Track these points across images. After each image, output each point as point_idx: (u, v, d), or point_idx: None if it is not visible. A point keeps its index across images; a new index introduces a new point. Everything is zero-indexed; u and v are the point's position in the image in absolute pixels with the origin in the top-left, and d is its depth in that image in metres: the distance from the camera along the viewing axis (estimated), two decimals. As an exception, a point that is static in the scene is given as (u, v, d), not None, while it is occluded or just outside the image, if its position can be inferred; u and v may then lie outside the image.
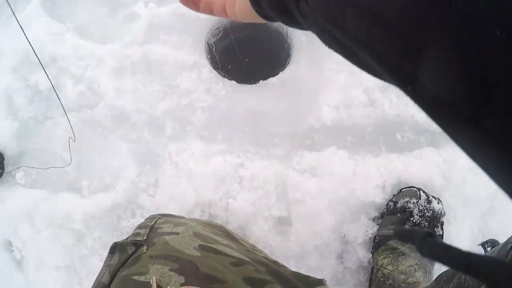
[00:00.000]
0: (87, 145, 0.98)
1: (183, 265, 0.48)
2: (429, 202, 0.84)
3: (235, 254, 0.53)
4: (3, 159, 1.04)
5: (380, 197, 0.84)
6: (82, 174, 0.98)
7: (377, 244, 0.84)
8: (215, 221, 0.84)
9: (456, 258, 0.25)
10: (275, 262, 0.61)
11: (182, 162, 0.87)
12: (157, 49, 0.98)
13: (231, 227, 0.82)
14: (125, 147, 0.93)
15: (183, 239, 0.53)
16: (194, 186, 0.85)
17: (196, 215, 0.83)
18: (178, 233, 0.54)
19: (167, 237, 0.53)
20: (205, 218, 0.84)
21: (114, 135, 0.95)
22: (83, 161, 0.98)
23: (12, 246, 1.05)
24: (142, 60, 0.98)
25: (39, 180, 1.03)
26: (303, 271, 0.83)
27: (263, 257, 0.63)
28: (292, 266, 0.82)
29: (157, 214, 0.64)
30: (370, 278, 0.84)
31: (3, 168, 1.04)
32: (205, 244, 0.53)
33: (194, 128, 0.90)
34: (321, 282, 0.59)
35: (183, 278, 0.47)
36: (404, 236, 0.32)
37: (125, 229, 0.93)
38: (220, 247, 0.54)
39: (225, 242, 0.57)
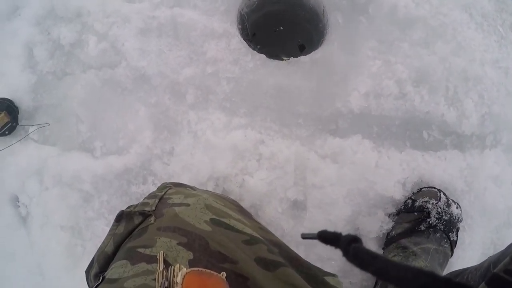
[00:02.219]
0: (104, 105, 0.98)
1: (193, 240, 0.47)
2: (449, 205, 0.82)
3: (247, 230, 0.52)
4: (18, 112, 1.05)
5: (399, 194, 0.83)
6: (96, 134, 0.99)
7: (389, 240, 0.83)
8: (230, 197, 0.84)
9: (385, 268, 0.24)
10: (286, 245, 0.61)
11: (200, 132, 0.87)
12: (187, 13, 0.97)
13: (244, 205, 0.81)
14: (143, 111, 0.93)
15: (194, 212, 0.51)
16: (211, 158, 0.84)
17: (210, 188, 0.83)
18: (188, 205, 0.53)
19: (176, 209, 0.52)
20: (218, 192, 0.84)
21: (133, 97, 0.95)
22: (99, 121, 0.99)
23: (18, 201, 1.06)
24: (170, 23, 0.97)
25: (51, 136, 1.04)
26: (312, 258, 0.83)
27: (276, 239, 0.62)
28: (302, 252, 0.81)
29: (169, 183, 0.63)
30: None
31: (17, 121, 1.05)
32: (217, 218, 0.52)
33: (217, 98, 0.89)
34: (333, 274, 0.58)
35: (191, 254, 0.46)
36: (327, 240, 0.31)
37: (134, 195, 0.93)
38: (232, 222, 0.52)
39: (238, 216, 0.55)
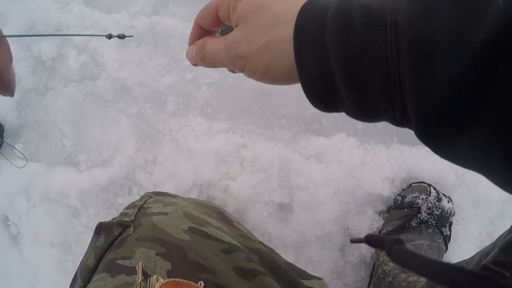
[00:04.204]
0: (87, 118, 1.00)
1: (171, 249, 0.47)
2: (439, 199, 0.82)
3: (226, 239, 0.52)
4: (3, 130, 1.07)
5: (388, 190, 0.83)
6: (80, 148, 1.00)
7: (381, 239, 0.83)
8: (213, 202, 0.85)
9: (422, 266, 0.26)
10: (271, 250, 0.61)
11: (182, 139, 0.88)
12: (165, 20, 0.98)
13: (229, 210, 0.82)
14: (125, 121, 0.94)
15: (172, 220, 0.52)
16: (193, 165, 0.85)
17: (194, 195, 0.84)
18: (167, 214, 0.53)
19: (155, 218, 0.52)
20: (203, 198, 0.84)
21: (115, 108, 0.97)
22: (82, 134, 1.00)
23: (9, 220, 1.08)
24: (148, 32, 0.98)
25: (37, 152, 1.06)
26: (302, 261, 0.83)
27: (259, 242, 0.62)
28: (291, 255, 0.82)
29: (151, 192, 0.64)
30: (371, 274, 0.83)
31: (2, 140, 1.07)
32: (195, 226, 0.52)
33: (198, 104, 0.90)
34: (318, 277, 0.58)
35: (169, 264, 0.46)
36: (374, 243, 0.33)
37: (121, 207, 0.94)
38: (211, 230, 0.52)
39: (217, 224, 0.55)
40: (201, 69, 0.91)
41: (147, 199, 0.59)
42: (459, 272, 0.24)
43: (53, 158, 1.03)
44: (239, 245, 0.53)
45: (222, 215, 0.62)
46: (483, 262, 0.50)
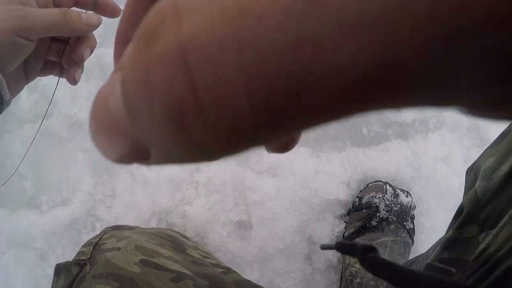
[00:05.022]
0: (45, 157, 1.00)
1: (124, 283, 0.49)
2: (396, 196, 0.83)
3: (176, 267, 0.54)
4: (-35, 178, 1.07)
5: (345, 194, 0.84)
6: (40, 188, 1.00)
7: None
8: (174, 229, 0.85)
9: (394, 275, 0.26)
10: (226, 270, 0.62)
11: (136, 169, 0.89)
12: (111, 52, 0.99)
13: (189, 234, 0.82)
14: (80, 157, 0.95)
15: (124, 255, 0.53)
16: (150, 194, 0.86)
17: (153, 224, 0.85)
18: (119, 248, 0.55)
19: (108, 254, 0.54)
20: (163, 226, 0.85)
21: (70, 145, 0.97)
22: (41, 174, 1.01)
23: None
24: (95, 65, 0.99)
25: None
26: (269, 275, 0.84)
27: (216, 263, 0.63)
28: (257, 271, 0.82)
29: (109, 227, 0.66)
30: (341, 277, 0.84)
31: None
32: (146, 258, 0.54)
33: (149, 133, 0.91)
34: None
35: None
36: (345, 250, 0.33)
37: (86, 244, 0.94)
38: (161, 261, 0.54)
39: (169, 254, 0.57)
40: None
41: (103, 235, 0.61)
42: (436, 282, 0.25)
43: (15, 202, 1.03)
44: (188, 272, 0.54)
45: (176, 243, 0.63)
46: (428, 261, 0.52)
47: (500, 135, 0.52)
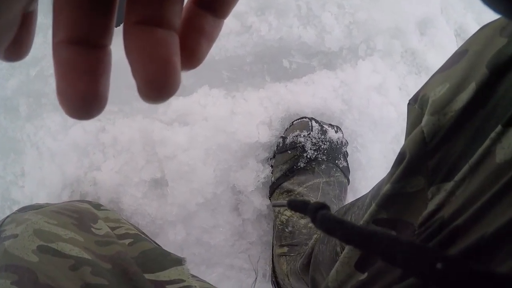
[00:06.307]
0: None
1: (22, 275, 0.45)
2: (324, 132, 0.76)
3: (74, 252, 0.49)
4: None
5: (267, 135, 0.77)
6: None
7: (272, 188, 0.77)
8: (88, 199, 0.79)
9: (350, 235, 0.25)
10: (135, 238, 0.56)
11: (41, 141, 0.82)
12: None
13: (103, 201, 0.76)
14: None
15: (22, 242, 0.48)
16: (58, 165, 0.79)
17: (66, 196, 0.78)
18: (17, 235, 0.49)
19: (6, 243, 0.49)
20: (76, 198, 0.79)
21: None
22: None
23: None
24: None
25: None
26: (196, 233, 0.78)
27: (124, 233, 0.58)
28: (181, 231, 0.77)
29: (16, 210, 0.61)
30: (274, 226, 0.78)
31: None
32: (44, 244, 0.48)
33: (50, 99, 0.83)
34: (179, 262, 0.54)
35: None
36: (297, 208, 0.31)
37: (9, 230, 0.89)
38: (60, 245, 0.49)
39: (70, 235, 0.51)
40: (44, 61, 0.84)
41: (4, 221, 0.55)
42: (392, 243, 0.22)
43: None
44: (87, 257, 0.49)
45: (81, 221, 0.57)
46: (361, 222, 0.43)
47: (452, 56, 0.41)
